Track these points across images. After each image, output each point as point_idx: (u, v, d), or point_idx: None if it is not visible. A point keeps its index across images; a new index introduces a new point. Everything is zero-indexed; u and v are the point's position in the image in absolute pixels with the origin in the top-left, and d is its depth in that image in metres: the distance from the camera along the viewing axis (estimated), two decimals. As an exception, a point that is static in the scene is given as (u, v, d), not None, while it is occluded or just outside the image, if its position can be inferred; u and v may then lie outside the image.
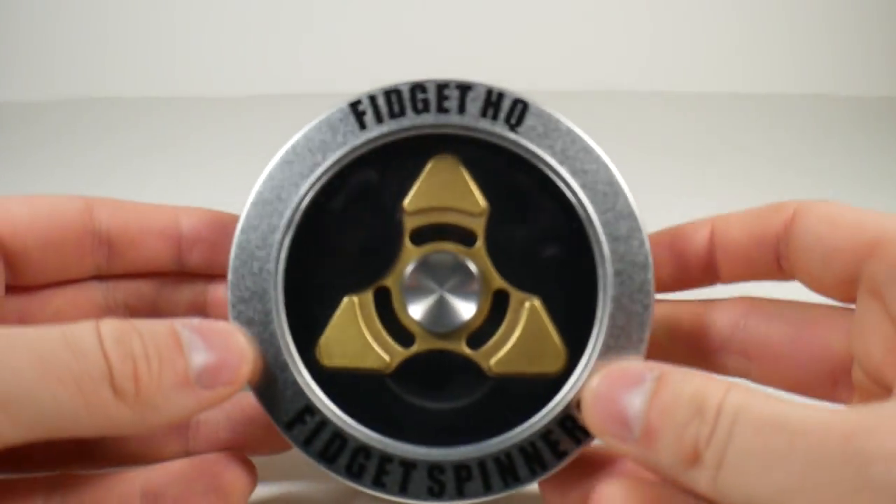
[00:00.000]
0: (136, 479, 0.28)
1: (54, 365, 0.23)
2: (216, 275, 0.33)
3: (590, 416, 0.26)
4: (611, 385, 0.25)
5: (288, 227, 0.29)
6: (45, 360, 0.23)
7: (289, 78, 0.63)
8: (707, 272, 0.32)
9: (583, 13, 0.73)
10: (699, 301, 0.33)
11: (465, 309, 0.29)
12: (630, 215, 0.29)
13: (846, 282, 0.28)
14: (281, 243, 0.29)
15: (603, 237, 0.29)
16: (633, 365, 0.25)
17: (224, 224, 0.32)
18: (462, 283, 0.29)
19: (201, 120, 0.62)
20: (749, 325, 0.32)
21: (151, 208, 0.32)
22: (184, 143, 0.59)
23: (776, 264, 0.31)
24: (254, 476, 0.30)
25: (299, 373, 0.29)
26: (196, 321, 0.26)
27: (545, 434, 0.29)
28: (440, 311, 0.30)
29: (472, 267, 0.30)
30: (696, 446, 0.23)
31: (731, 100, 0.68)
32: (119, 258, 0.32)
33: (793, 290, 0.31)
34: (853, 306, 0.29)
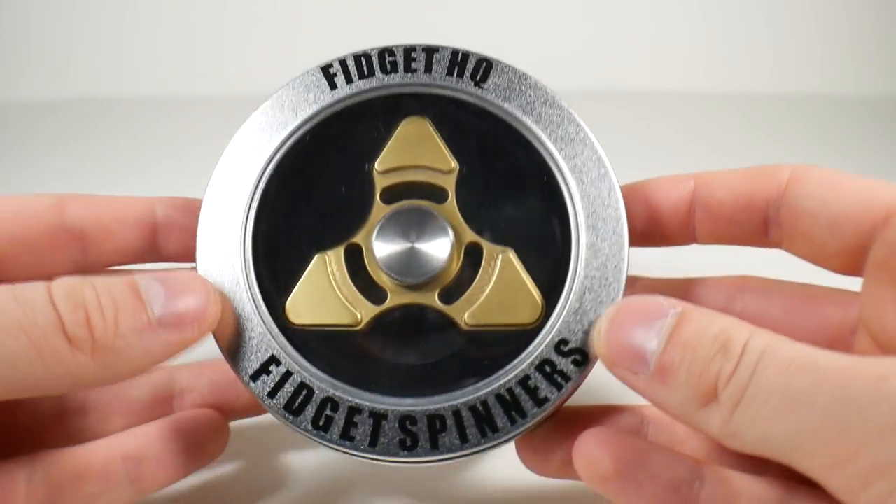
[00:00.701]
0: (116, 444, 0.28)
1: (2, 317, 0.23)
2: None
3: (604, 346, 0.25)
4: (629, 315, 0.24)
5: (257, 183, 0.29)
6: None
7: (290, 78, 0.64)
8: (683, 230, 0.31)
9: (582, 13, 0.74)
10: (687, 279, 0.33)
11: (437, 259, 0.29)
12: (598, 161, 0.29)
13: (852, 251, 0.27)
14: (250, 199, 0.29)
15: (573, 183, 0.29)
16: (654, 299, 0.25)
17: (198, 210, 0.32)
18: (433, 234, 0.29)
19: (200, 120, 0.63)
20: (745, 300, 0.31)
21: (124, 199, 0.32)
22: (182, 142, 0.59)
23: (762, 230, 0.30)
24: (226, 431, 0.30)
25: (264, 325, 0.28)
26: (157, 274, 0.26)
27: (523, 380, 0.27)
28: (411, 261, 0.29)
29: (442, 218, 0.29)
30: (715, 384, 0.22)
31: (731, 100, 0.68)
32: (95, 251, 0.32)
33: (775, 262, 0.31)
34: (847, 280, 0.28)
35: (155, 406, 0.32)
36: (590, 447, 0.25)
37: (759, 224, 0.30)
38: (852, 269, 0.28)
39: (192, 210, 0.32)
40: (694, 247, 0.32)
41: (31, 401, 0.31)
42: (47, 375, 0.23)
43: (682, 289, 0.32)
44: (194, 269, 0.29)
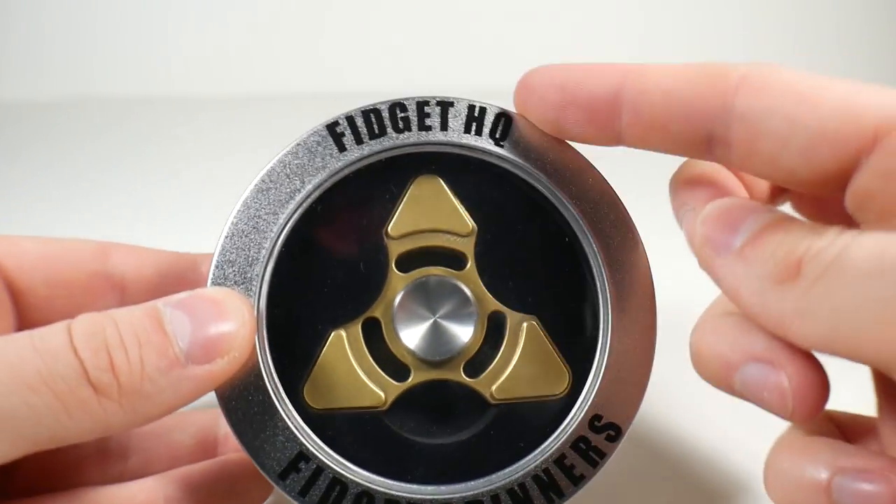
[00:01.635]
0: (159, 486, 0.27)
1: (22, 371, 0.21)
2: None
3: (702, 223, 0.24)
4: (737, 205, 0.24)
5: (267, 259, 0.27)
6: (13, 367, 0.21)
7: (287, 77, 0.61)
8: (605, 129, 0.26)
9: (582, 13, 0.72)
10: None
11: (462, 333, 0.28)
12: (625, 223, 0.28)
13: (827, 178, 0.22)
14: (261, 277, 0.27)
15: (599, 247, 0.28)
16: (765, 205, 0.24)
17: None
18: (456, 307, 0.28)
19: (200, 120, 0.60)
20: None
21: (169, 253, 0.31)
22: (183, 142, 0.57)
23: (705, 146, 0.24)
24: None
25: (289, 416, 0.27)
26: (182, 294, 0.24)
27: (559, 459, 0.27)
28: (435, 337, 0.28)
29: (466, 290, 0.28)
30: (800, 260, 0.21)
31: None
32: (133, 302, 0.30)
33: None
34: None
35: (199, 450, 0.31)
36: None
37: (702, 140, 0.24)
38: (823, 198, 0.26)
39: None
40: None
41: None
42: (75, 427, 0.22)
43: None
44: None
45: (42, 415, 0.21)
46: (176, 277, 0.31)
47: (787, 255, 0.21)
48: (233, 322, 0.24)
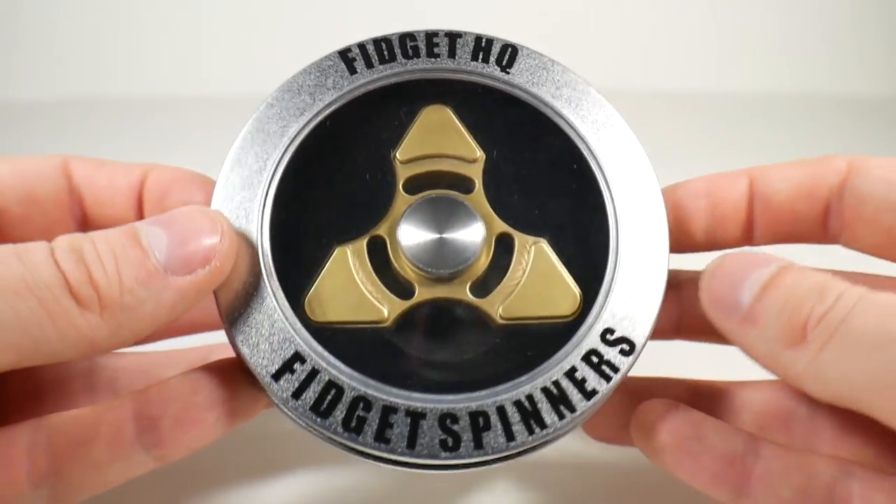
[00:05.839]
0: (126, 403, 0.25)
1: (9, 278, 0.21)
2: None
3: (705, 288, 0.25)
4: (736, 260, 0.24)
5: (274, 169, 0.27)
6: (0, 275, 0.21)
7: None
8: (745, 228, 0.30)
9: (583, 13, 0.74)
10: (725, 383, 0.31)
11: (468, 249, 0.27)
12: (632, 145, 0.28)
13: None
14: (267, 186, 0.27)
15: (608, 169, 0.28)
16: (760, 253, 0.25)
17: (196, 180, 0.29)
18: (462, 224, 0.27)
19: (200, 120, 0.60)
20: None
21: (121, 165, 0.30)
22: (183, 142, 0.57)
23: (822, 222, 0.29)
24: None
25: (286, 320, 0.26)
26: (161, 215, 0.24)
27: (570, 371, 0.26)
28: (440, 252, 0.27)
29: (472, 209, 0.28)
30: (805, 324, 0.22)
31: (731, 100, 0.68)
32: (94, 216, 0.30)
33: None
34: None
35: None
36: (648, 419, 0.26)
37: (820, 215, 0.28)
38: None
39: (192, 183, 0.30)
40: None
41: (55, 373, 0.28)
42: (61, 340, 0.21)
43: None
44: None
45: (28, 322, 0.21)
46: (126, 191, 0.29)
47: (792, 318, 0.22)
48: (210, 234, 0.24)
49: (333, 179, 0.28)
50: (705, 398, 0.29)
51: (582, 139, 0.28)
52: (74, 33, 0.69)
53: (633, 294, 0.26)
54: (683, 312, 0.30)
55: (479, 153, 0.29)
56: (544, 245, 0.28)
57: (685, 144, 0.58)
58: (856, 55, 0.74)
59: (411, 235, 0.27)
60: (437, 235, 0.27)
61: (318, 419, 0.25)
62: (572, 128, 0.28)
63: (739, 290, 0.23)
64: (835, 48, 0.74)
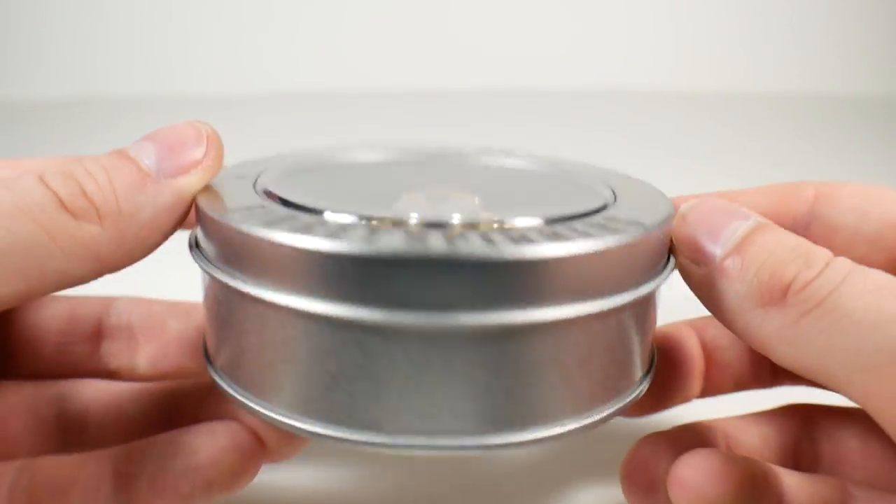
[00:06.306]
0: (108, 457, 0.25)
1: (1, 203, 0.21)
2: None
3: (680, 228, 0.24)
4: (713, 207, 0.24)
5: None
6: None
7: (287, 77, 0.61)
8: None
9: (583, 13, 0.73)
10: (735, 418, 0.30)
11: None
12: None
13: None
14: None
15: None
16: (735, 203, 0.24)
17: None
18: None
19: (200, 119, 0.61)
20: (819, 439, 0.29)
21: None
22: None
23: None
24: (255, 450, 0.25)
25: None
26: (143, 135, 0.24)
27: None
28: None
29: None
30: (786, 285, 0.21)
31: (731, 100, 0.68)
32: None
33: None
34: None
35: (195, 334, 0.29)
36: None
37: None
38: None
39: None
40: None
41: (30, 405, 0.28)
42: (65, 257, 0.21)
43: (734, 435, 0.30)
44: None
45: (27, 243, 0.21)
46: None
47: (773, 278, 0.22)
48: (196, 139, 0.24)
49: None
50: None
51: None
52: (75, 33, 0.70)
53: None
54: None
55: None
56: None
57: (685, 144, 0.58)
58: (856, 55, 0.74)
59: None
60: None
61: None
62: None
63: (714, 239, 0.23)
64: (835, 48, 0.74)
